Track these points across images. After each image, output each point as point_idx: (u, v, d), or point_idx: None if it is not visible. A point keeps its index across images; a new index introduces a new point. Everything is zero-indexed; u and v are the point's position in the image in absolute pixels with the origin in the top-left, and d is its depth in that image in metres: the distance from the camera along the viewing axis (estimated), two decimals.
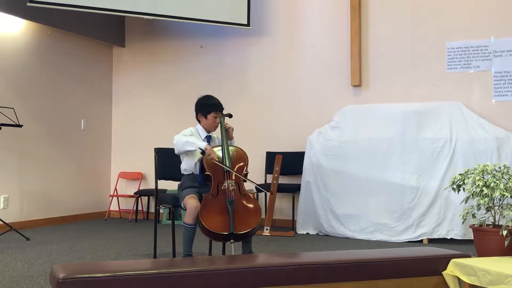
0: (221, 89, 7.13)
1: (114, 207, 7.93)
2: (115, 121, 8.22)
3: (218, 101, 4.35)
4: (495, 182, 4.23)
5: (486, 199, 4.23)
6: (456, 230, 5.64)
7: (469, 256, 3.45)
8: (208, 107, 4.30)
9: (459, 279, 3.29)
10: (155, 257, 4.75)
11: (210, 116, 4.29)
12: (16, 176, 6.61)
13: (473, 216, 4.41)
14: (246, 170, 4.20)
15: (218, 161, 4.06)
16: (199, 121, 4.37)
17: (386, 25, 6.69)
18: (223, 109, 4.36)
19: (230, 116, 4.40)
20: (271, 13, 7.31)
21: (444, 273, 3.36)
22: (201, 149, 4.05)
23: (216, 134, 4.43)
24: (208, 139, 4.33)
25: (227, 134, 4.28)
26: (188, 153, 4.18)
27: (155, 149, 4.74)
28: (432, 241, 5.74)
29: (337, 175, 6.24)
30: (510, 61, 6.10)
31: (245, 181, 4.17)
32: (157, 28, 7.98)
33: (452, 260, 3.34)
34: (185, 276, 2.93)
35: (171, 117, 7.65)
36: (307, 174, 6.44)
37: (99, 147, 7.98)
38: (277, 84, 7.24)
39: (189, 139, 4.11)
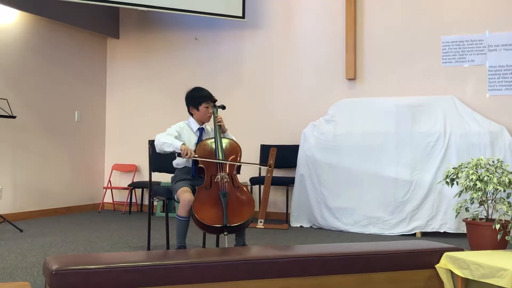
0: (216, 82, 7.12)
1: (108, 199, 7.93)
2: (109, 112, 8.20)
3: (208, 91, 4.34)
4: (488, 176, 4.25)
5: (480, 193, 4.25)
6: (449, 223, 5.67)
7: (462, 250, 3.47)
8: (199, 99, 4.27)
9: (452, 272, 3.30)
10: (148, 249, 4.75)
11: (202, 107, 4.27)
12: (9, 167, 6.59)
13: (466, 210, 4.43)
14: (240, 162, 4.19)
15: (199, 157, 4.03)
16: (191, 114, 4.35)
17: (381, 19, 6.68)
18: (215, 99, 4.34)
19: (223, 107, 4.39)
20: (266, 6, 7.29)
21: (437, 266, 3.37)
22: (176, 152, 4.04)
23: (210, 126, 4.41)
24: (201, 131, 4.32)
25: (220, 127, 4.27)
26: None
27: (149, 141, 4.72)
28: (425, 234, 5.77)
29: (331, 169, 6.24)
30: (505, 55, 6.11)
31: (239, 172, 4.17)
32: (151, 20, 7.95)
33: (445, 254, 3.35)
34: (178, 268, 2.94)
35: (166, 109, 7.63)
36: (301, 167, 6.44)
37: (93, 139, 7.96)
38: (272, 77, 7.23)
39: (167, 139, 4.07)
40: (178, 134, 4.20)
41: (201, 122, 4.34)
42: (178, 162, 4.25)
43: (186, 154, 3.97)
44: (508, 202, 4.24)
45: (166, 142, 4.06)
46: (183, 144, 4.05)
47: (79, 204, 7.64)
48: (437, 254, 3.40)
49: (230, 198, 3.91)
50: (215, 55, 7.57)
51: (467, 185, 4.34)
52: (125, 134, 8.02)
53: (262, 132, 7.13)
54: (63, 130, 7.41)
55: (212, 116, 4.30)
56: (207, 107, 4.27)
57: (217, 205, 3.86)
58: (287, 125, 7.01)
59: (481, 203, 4.36)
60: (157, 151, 4.17)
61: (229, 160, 4.12)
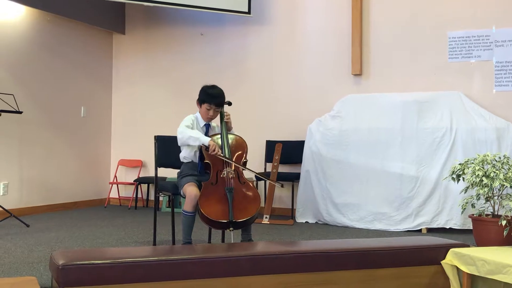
0: (221, 77, 7.10)
1: (113, 194, 7.95)
2: (115, 108, 8.21)
3: (219, 93, 4.23)
4: (494, 172, 4.23)
5: (486, 189, 4.23)
6: (455, 219, 5.65)
7: (467, 246, 3.47)
8: (204, 97, 4.22)
9: (457, 268, 3.30)
10: (154, 244, 4.76)
11: (203, 107, 4.22)
12: (16, 162, 6.61)
13: (473, 206, 4.42)
14: (246, 158, 4.18)
15: (222, 156, 4.04)
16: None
17: (387, 14, 6.66)
18: (222, 103, 4.25)
19: (229, 104, 4.38)
20: (272, 1, 7.28)
21: (442, 262, 3.37)
22: (205, 145, 4.03)
23: (216, 122, 4.41)
24: (207, 127, 4.31)
25: (226, 125, 4.26)
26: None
27: (155, 136, 4.73)
28: (431, 230, 5.76)
29: (337, 164, 6.24)
30: None
31: (244, 169, 4.17)
32: (157, 15, 7.95)
33: (451, 250, 3.35)
34: (184, 263, 2.95)
35: (171, 105, 7.64)
36: (306, 163, 6.44)
37: (99, 134, 7.98)
38: (278, 72, 7.22)
39: (193, 133, 4.07)
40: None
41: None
42: (185, 155, 4.25)
43: (214, 151, 3.98)
44: None
45: (193, 136, 4.06)
46: (211, 140, 4.05)
47: (85, 199, 7.66)
48: (443, 250, 3.40)
49: (236, 194, 3.91)
50: (220, 51, 7.56)
51: (473, 181, 4.32)
52: (131, 130, 8.04)
53: (268, 128, 7.13)
54: (69, 126, 7.43)
55: (220, 114, 4.28)
56: (209, 109, 4.22)
57: (223, 200, 3.87)
58: (293, 120, 7.00)
59: (487, 199, 4.35)
60: (180, 144, 4.17)
61: (235, 155, 4.12)
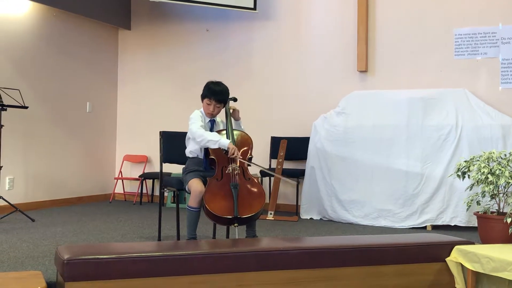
0: (226, 73, 7.10)
1: (119, 189, 7.97)
2: (120, 104, 8.22)
3: (222, 90, 4.23)
4: (500, 170, 4.22)
5: (491, 187, 4.22)
6: (460, 217, 5.65)
7: (472, 243, 3.46)
8: (206, 92, 4.24)
9: (462, 265, 3.30)
10: (159, 239, 4.77)
11: (204, 102, 4.24)
12: (22, 157, 6.63)
13: (478, 203, 4.41)
14: (251, 154, 4.19)
15: (242, 159, 4.05)
16: None
17: (393, 11, 6.64)
18: (222, 100, 4.24)
19: (234, 100, 4.39)
20: None
21: (447, 259, 3.37)
22: (224, 149, 4.03)
23: (221, 117, 4.41)
24: (212, 123, 4.32)
25: (233, 113, 4.27)
26: None
27: (160, 132, 4.74)
28: (435, 227, 5.75)
29: (342, 161, 6.23)
30: None
31: (249, 165, 4.17)
32: (163, 11, 7.95)
33: (456, 247, 3.35)
34: (189, 259, 2.96)
35: (176, 101, 7.65)
36: (311, 160, 6.43)
37: (104, 130, 7.99)
38: (283, 69, 7.21)
39: (213, 137, 4.05)
40: None
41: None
42: (191, 150, 4.26)
43: (233, 154, 3.98)
44: None
45: (212, 139, 4.04)
46: (231, 142, 4.05)
47: (90, 194, 7.68)
48: (447, 248, 3.40)
49: (241, 190, 3.92)
50: (226, 47, 7.56)
51: (479, 179, 4.31)
52: (136, 125, 8.05)
53: (273, 124, 7.12)
54: (75, 121, 7.44)
55: (225, 110, 4.30)
56: (209, 104, 4.22)
57: (228, 196, 3.87)
58: (298, 117, 6.99)
59: (492, 197, 4.34)
60: (199, 145, 4.16)
61: (241, 151, 4.13)
